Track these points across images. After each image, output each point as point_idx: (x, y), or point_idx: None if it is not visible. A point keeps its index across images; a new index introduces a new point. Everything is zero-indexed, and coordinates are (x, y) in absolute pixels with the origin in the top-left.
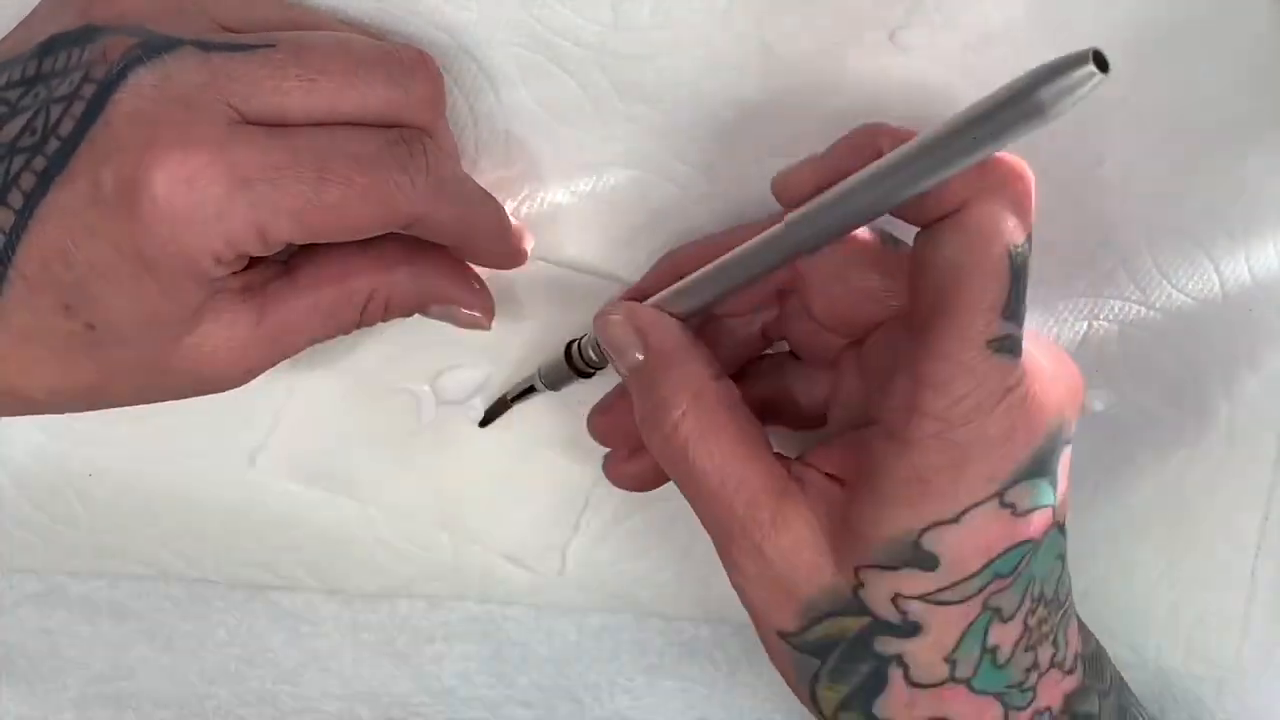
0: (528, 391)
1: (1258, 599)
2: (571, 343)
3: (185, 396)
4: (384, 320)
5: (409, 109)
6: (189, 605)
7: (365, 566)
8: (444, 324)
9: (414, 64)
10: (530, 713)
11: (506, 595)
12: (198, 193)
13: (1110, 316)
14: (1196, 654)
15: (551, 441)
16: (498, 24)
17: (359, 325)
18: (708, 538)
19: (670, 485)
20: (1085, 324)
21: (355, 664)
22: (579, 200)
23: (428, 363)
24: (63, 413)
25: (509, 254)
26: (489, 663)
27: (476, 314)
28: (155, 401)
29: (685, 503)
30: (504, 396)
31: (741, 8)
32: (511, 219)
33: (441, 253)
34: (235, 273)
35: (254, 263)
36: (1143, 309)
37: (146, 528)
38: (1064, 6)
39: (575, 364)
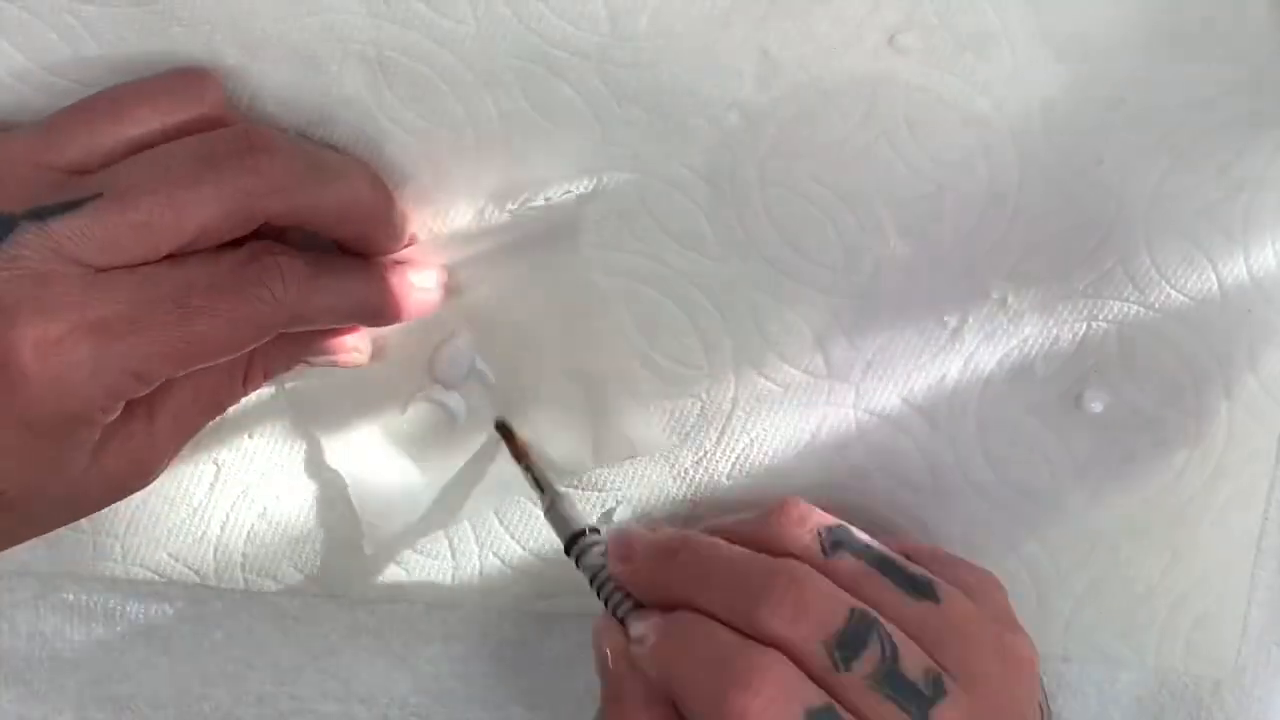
0: (535, 483)
1: (1257, 599)
2: (580, 538)
3: (103, 508)
4: (266, 381)
5: (254, 212)
6: (186, 607)
7: (367, 572)
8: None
9: (240, 153)
10: (530, 714)
11: (509, 599)
12: (67, 359)
13: (1109, 317)
14: (1196, 654)
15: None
16: (496, 36)
17: (244, 395)
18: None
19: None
20: (1084, 324)
21: (353, 665)
22: (579, 206)
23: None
24: None
25: (397, 310)
26: (489, 663)
27: (352, 355)
28: (76, 520)
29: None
30: (522, 448)
31: (740, 14)
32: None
33: None
34: None
35: None
36: (1141, 309)
37: (146, 531)
38: (1061, 7)
39: (573, 554)
